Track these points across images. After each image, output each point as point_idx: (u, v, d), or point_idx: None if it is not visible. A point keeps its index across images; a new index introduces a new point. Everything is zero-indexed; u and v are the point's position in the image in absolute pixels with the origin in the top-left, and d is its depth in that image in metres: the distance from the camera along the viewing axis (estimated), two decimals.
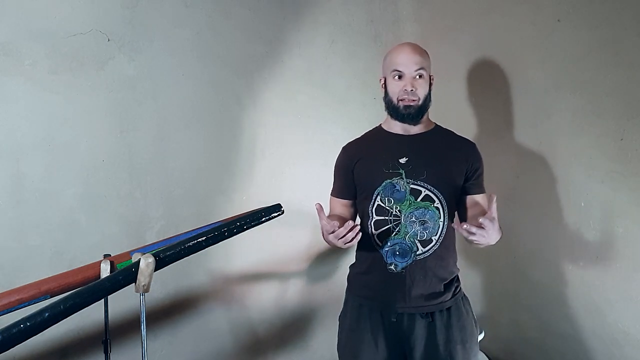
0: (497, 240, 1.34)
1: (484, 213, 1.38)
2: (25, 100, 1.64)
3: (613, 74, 1.52)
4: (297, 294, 2.16)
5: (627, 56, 1.48)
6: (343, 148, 1.63)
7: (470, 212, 1.51)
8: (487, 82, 2.00)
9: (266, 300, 2.09)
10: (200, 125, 1.94)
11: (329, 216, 1.56)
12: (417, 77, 1.44)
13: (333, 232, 1.31)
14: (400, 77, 1.45)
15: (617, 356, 1.64)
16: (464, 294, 1.54)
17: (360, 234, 1.33)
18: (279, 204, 1.45)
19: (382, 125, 1.59)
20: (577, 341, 1.77)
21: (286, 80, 2.13)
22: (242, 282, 2.04)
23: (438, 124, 1.57)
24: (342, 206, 1.61)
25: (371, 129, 1.63)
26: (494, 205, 1.28)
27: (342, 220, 1.40)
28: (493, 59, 1.96)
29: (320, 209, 1.34)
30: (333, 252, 2.19)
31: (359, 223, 1.39)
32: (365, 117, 2.29)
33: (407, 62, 1.44)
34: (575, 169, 1.67)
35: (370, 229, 1.49)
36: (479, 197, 1.51)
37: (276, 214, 1.42)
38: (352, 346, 1.52)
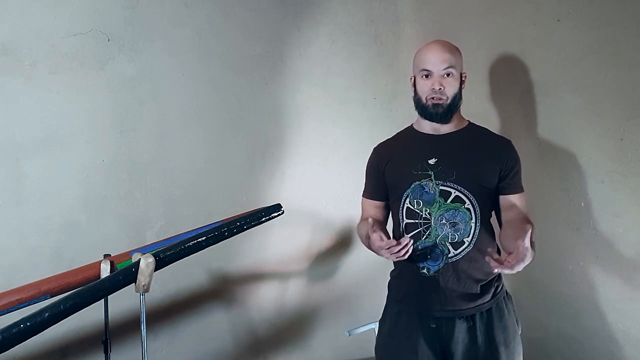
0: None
1: (521, 222, 1.34)
2: (25, 100, 1.64)
3: (613, 74, 1.52)
4: (297, 294, 2.16)
5: (627, 56, 1.48)
6: (374, 148, 1.61)
7: (505, 216, 1.44)
8: (487, 82, 2.00)
9: (266, 300, 2.09)
10: (200, 125, 1.94)
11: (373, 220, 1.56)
12: (446, 75, 1.40)
13: (388, 247, 1.27)
14: (428, 76, 1.42)
15: (617, 356, 1.64)
16: (507, 292, 1.48)
17: (412, 249, 1.30)
18: (279, 204, 1.45)
19: (413, 125, 1.56)
20: (577, 341, 1.77)
21: (286, 80, 2.12)
22: (242, 282, 2.04)
23: (472, 121, 1.53)
24: (374, 208, 1.58)
25: (403, 129, 1.60)
26: (527, 237, 1.17)
27: (377, 223, 1.41)
28: (493, 59, 1.95)
29: (372, 223, 1.31)
30: (333, 252, 2.19)
31: (410, 241, 1.30)
32: (365, 117, 2.29)
33: (434, 60, 1.41)
34: (575, 169, 1.67)
35: (402, 233, 1.47)
36: (515, 198, 1.43)
37: (276, 214, 1.42)
38: (391, 352, 1.49)
